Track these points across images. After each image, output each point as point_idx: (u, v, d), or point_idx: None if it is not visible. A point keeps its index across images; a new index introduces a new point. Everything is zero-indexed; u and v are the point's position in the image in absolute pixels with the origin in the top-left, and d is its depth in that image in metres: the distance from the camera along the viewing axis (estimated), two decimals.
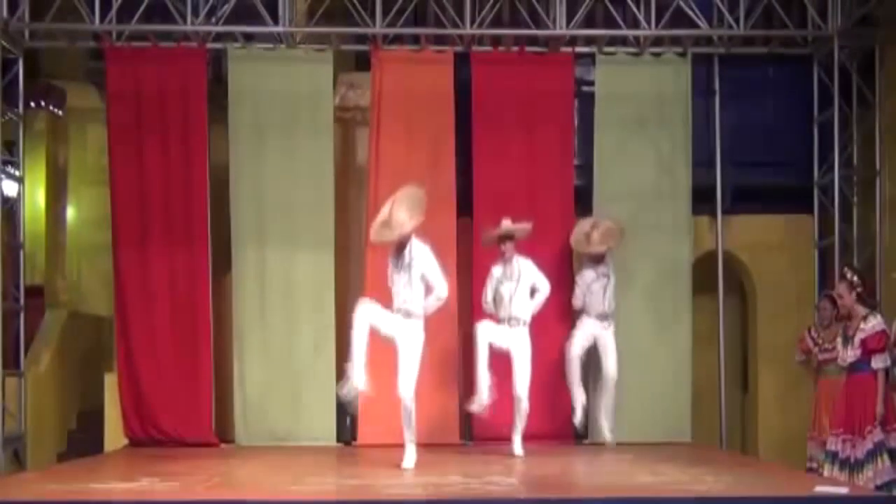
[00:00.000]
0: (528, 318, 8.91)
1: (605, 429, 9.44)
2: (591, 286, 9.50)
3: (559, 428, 9.84)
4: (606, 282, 9.52)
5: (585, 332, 9.48)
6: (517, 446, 8.90)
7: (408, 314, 7.91)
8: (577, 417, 9.41)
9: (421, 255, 7.90)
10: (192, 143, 10.06)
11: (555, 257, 9.77)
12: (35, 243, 11.27)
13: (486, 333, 8.72)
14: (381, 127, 10.15)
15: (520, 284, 8.91)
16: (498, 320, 8.92)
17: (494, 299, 9.02)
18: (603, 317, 9.48)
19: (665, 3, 10.11)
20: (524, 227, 9.02)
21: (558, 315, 9.78)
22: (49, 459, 10.23)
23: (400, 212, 7.87)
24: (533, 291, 8.98)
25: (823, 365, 8.94)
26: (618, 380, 9.56)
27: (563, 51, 10.31)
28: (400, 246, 7.92)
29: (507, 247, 8.93)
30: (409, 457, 7.92)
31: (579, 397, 9.38)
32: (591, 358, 9.58)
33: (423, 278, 7.91)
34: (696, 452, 9.26)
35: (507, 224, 8.96)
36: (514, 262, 8.93)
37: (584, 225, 9.70)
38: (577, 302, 9.59)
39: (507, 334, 8.85)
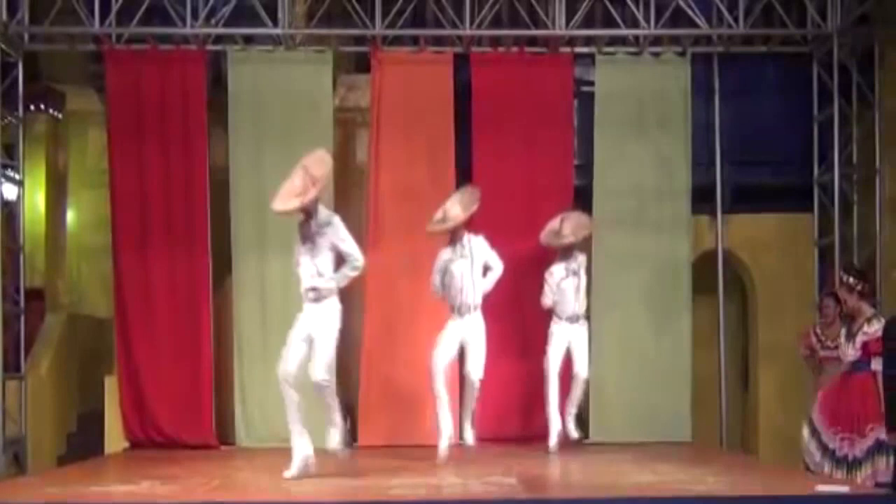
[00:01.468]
0: (479, 301, 8.51)
1: (570, 426, 9.24)
2: (561, 284, 9.13)
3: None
4: (577, 281, 9.17)
5: (560, 342, 9.13)
6: (467, 433, 8.60)
7: (317, 296, 7.37)
8: (552, 443, 9.00)
9: (329, 225, 7.37)
10: (191, 146, 10.06)
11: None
12: (35, 246, 11.27)
13: (442, 361, 8.41)
14: (380, 128, 10.15)
15: (472, 263, 8.47)
16: (448, 307, 8.54)
17: (444, 281, 8.56)
18: (574, 318, 9.16)
19: (664, 2, 10.11)
20: (471, 199, 8.51)
21: None
22: (49, 462, 10.23)
23: (298, 179, 7.38)
24: (486, 271, 8.57)
25: (824, 363, 8.92)
26: (617, 379, 9.58)
27: (562, 51, 10.31)
28: (306, 217, 7.41)
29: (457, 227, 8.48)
30: (334, 437, 7.50)
31: (555, 423, 9.05)
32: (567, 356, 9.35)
33: (333, 249, 7.38)
34: (696, 452, 9.27)
35: (455, 210, 8.46)
36: (465, 241, 8.49)
37: (553, 222, 9.31)
38: (546, 301, 9.18)
39: (458, 328, 8.47)
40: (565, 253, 9.19)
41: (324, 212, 7.45)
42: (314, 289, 7.38)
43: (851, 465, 7.97)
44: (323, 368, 7.30)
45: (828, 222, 10.28)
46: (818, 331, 9.06)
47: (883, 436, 7.80)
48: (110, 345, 10.27)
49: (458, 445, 9.45)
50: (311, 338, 7.35)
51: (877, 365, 7.85)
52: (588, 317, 9.42)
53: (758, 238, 10.69)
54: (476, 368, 8.41)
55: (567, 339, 9.15)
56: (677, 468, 7.81)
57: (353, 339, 10.07)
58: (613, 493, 6.70)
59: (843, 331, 8.19)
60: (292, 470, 7.35)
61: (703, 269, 10.55)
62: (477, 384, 8.44)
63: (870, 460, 7.82)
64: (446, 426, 8.42)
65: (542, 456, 8.81)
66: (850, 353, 7.97)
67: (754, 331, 10.84)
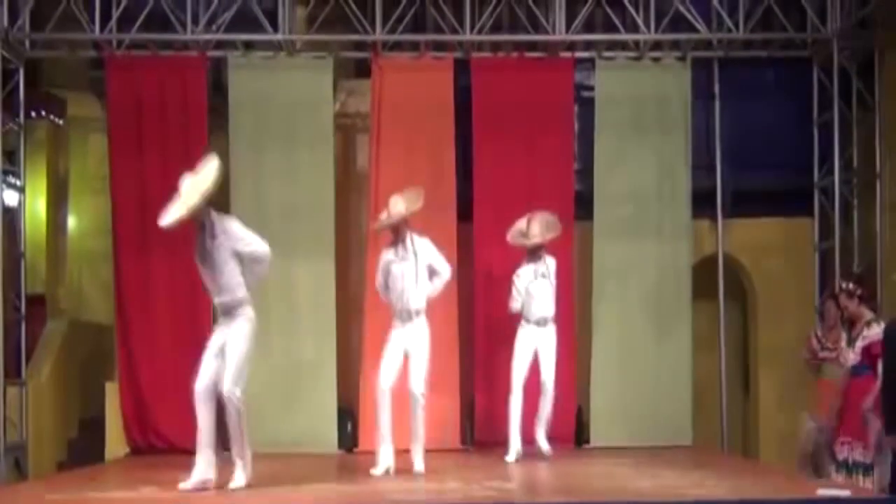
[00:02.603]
0: (422, 307, 7.97)
1: (541, 440, 8.94)
2: (529, 287, 8.82)
3: (559, 431, 9.79)
4: (546, 283, 8.87)
5: (525, 348, 8.84)
6: (418, 460, 7.88)
7: (228, 310, 6.93)
8: (510, 459, 8.70)
9: (224, 234, 6.85)
10: (192, 151, 9.99)
11: (554, 263, 9.66)
12: (36, 252, 11.27)
13: (387, 380, 7.86)
14: (381, 133, 10.17)
15: (416, 264, 7.94)
16: (391, 311, 8.09)
17: (387, 283, 8.07)
18: (543, 322, 8.86)
19: (664, 7, 10.13)
20: (416, 198, 8.05)
21: (563, 321, 9.75)
22: (50, 468, 10.23)
23: (184, 189, 6.86)
24: (431, 274, 8.06)
25: (825, 362, 8.90)
26: (618, 383, 9.56)
27: (562, 56, 10.32)
28: (199, 229, 6.91)
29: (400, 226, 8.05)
30: (238, 477, 6.95)
31: (515, 444, 8.74)
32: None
33: (235, 256, 6.87)
34: (697, 456, 9.27)
35: (398, 207, 7.98)
36: (408, 241, 7.99)
37: (520, 222, 9.01)
38: (514, 305, 8.87)
39: (401, 337, 7.97)
40: (533, 255, 8.90)
41: (215, 219, 6.90)
42: (222, 303, 6.98)
43: (852, 468, 7.94)
44: (230, 380, 6.86)
45: (828, 226, 10.28)
46: (819, 334, 9.06)
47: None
48: (111, 351, 10.28)
49: (464, 450, 9.45)
50: (224, 350, 6.97)
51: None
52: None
53: (758, 242, 10.70)
54: (418, 382, 7.82)
55: (534, 345, 8.86)
56: (678, 472, 7.80)
57: (354, 344, 10.10)
58: (614, 497, 6.68)
59: (844, 336, 8.18)
60: (188, 483, 6.94)
61: (703, 274, 10.55)
62: (421, 400, 7.83)
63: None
64: (385, 453, 7.86)
65: (542, 461, 8.80)
66: (851, 357, 7.96)
67: (755, 335, 10.84)
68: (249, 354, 6.99)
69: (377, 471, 7.83)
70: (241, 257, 6.91)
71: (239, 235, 6.92)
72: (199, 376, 7.01)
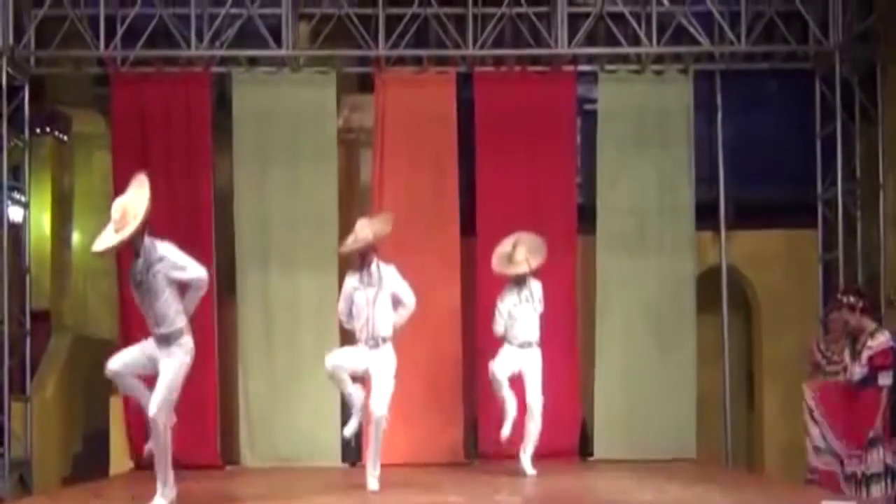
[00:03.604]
0: (388, 334, 7.89)
1: (524, 461, 8.70)
2: (513, 311, 8.66)
3: (563, 444, 9.79)
4: (530, 308, 8.70)
5: (510, 358, 8.66)
6: (372, 480, 7.76)
7: (165, 339, 6.69)
8: (506, 431, 8.59)
9: (161, 260, 6.65)
10: (196, 166, 10.11)
11: (558, 276, 9.55)
12: (40, 268, 11.30)
13: (341, 362, 7.83)
14: (384, 148, 10.19)
15: (380, 292, 7.86)
16: (356, 338, 7.97)
17: (352, 311, 7.96)
18: (526, 345, 8.67)
19: (666, 20, 10.16)
20: (384, 223, 8.05)
21: (564, 333, 9.77)
22: (54, 483, 10.24)
23: (118, 215, 6.60)
24: (396, 303, 7.97)
25: (829, 377, 8.90)
26: (622, 396, 9.50)
27: (565, 69, 10.34)
28: (134, 254, 6.70)
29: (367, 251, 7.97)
30: (158, 500, 6.73)
31: (510, 410, 8.58)
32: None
33: (172, 283, 6.68)
34: (701, 469, 9.24)
35: (365, 232, 7.92)
36: (374, 268, 7.91)
37: (505, 245, 8.85)
38: (498, 329, 8.74)
39: (365, 356, 7.88)
40: (518, 279, 8.75)
41: (150, 245, 6.68)
42: (160, 335, 6.72)
43: (860, 482, 7.93)
44: (156, 404, 6.63)
45: (832, 238, 10.26)
46: (822, 347, 9.05)
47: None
48: None
49: (468, 463, 9.37)
50: (156, 364, 6.73)
51: (884, 380, 7.83)
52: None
53: (761, 254, 10.69)
54: (379, 404, 7.67)
55: (518, 363, 8.67)
56: (682, 485, 7.80)
57: None
58: None
59: (848, 351, 8.18)
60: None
61: (706, 286, 10.55)
62: (382, 423, 7.72)
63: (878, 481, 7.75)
64: (357, 400, 7.91)
65: (547, 473, 8.79)
66: (857, 370, 7.96)
67: (758, 347, 10.84)
68: (179, 382, 6.76)
69: (348, 430, 7.99)
70: (175, 283, 6.72)
71: (175, 262, 6.71)
72: (115, 357, 6.84)
